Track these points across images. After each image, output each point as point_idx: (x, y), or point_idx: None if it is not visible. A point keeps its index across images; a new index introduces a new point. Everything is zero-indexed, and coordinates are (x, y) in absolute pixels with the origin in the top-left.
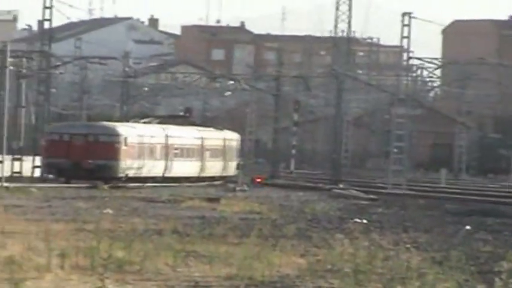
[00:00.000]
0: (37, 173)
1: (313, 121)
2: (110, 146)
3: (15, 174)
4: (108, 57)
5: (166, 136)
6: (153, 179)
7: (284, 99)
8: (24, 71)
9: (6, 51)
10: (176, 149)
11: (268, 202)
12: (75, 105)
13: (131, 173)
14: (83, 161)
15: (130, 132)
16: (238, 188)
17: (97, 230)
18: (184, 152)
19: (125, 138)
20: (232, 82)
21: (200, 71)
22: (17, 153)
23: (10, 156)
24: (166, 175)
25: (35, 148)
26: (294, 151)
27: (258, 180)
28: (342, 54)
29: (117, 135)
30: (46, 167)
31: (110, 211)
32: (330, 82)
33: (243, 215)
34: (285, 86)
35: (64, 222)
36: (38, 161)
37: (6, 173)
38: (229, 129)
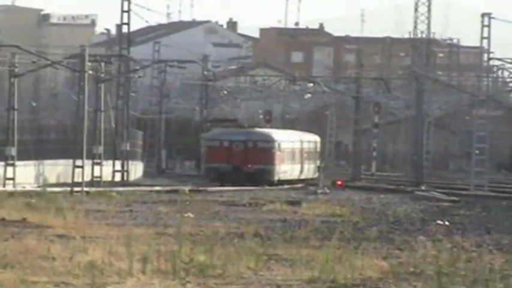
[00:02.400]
0: (118, 177)
1: (393, 123)
2: (268, 152)
3: (95, 179)
4: (187, 61)
5: (301, 141)
6: (290, 182)
7: (364, 101)
8: (103, 75)
9: (85, 56)
10: (294, 153)
11: (349, 205)
12: (154, 109)
13: (282, 177)
14: (243, 165)
15: (282, 138)
16: (319, 191)
17: (178, 234)
18: (294, 156)
19: (279, 144)
20: (311, 84)
21: (279, 73)
22: (97, 157)
23: (90, 161)
24: (300, 177)
25: (115, 152)
26: (375, 153)
27: (339, 182)
28: (421, 56)
29: (273, 141)
30: (207, 172)
31: (191, 215)
32: (410, 84)
33: (324, 217)
34: (365, 87)
35: (145, 227)
36: (118, 165)
37: (87, 177)
38: (309, 131)
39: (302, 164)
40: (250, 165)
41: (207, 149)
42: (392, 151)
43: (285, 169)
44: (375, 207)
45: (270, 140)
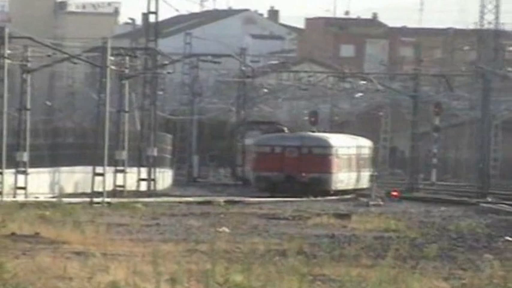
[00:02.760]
0: (143, 186)
1: (456, 126)
2: (325, 159)
3: (118, 188)
4: (222, 55)
5: (358, 147)
6: (346, 192)
7: (423, 101)
8: (127, 70)
9: (107, 49)
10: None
11: (406, 218)
12: (185, 110)
13: (339, 186)
14: (297, 174)
15: (339, 143)
16: (371, 203)
17: (211, 251)
18: (351, 163)
19: (336, 150)
20: (363, 82)
21: (327, 69)
22: (120, 164)
23: (112, 168)
24: (356, 187)
25: (140, 159)
26: (435, 160)
27: (395, 193)
28: (488, 50)
29: (330, 147)
30: (257, 181)
31: (226, 229)
32: (475, 81)
33: (377, 233)
34: (424, 85)
35: (174, 243)
36: (143, 173)
37: (108, 187)
38: (360, 135)
39: (359, 172)
40: (304, 173)
41: (257, 156)
42: (455, 158)
43: (342, 178)
44: (435, 221)
45: (326, 146)
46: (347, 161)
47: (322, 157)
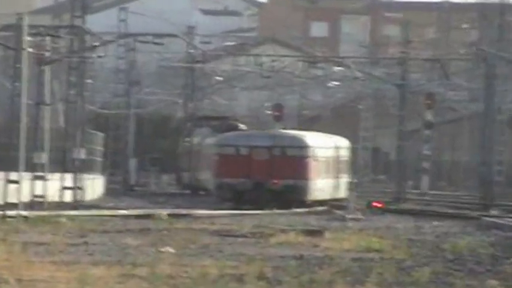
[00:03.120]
0: (68, 196)
1: (453, 121)
2: (301, 162)
3: (36, 199)
4: (165, 35)
5: (336, 148)
6: (322, 202)
7: (412, 91)
8: (48, 54)
9: (23, 27)
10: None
11: (391, 236)
12: (120, 102)
13: (319, 196)
14: (267, 181)
15: (317, 143)
16: (349, 216)
17: (152, 276)
18: (329, 168)
19: (314, 152)
20: (339, 68)
21: (294, 52)
22: (40, 169)
23: (30, 174)
24: (336, 196)
25: (65, 162)
26: (426, 164)
27: (377, 204)
28: (492, 28)
29: (307, 147)
30: (219, 189)
31: (170, 250)
32: (476, 67)
33: (356, 253)
34: (414, 72)
35: (106, 266)
36: (68, 180)
37: (25, 197)
38: (336, 133)
39: (337, 178)
40: (276, 180)
41: (218, 159)
42: (452, 161)
43: (321, 186)
44: (427, 239)
45: (303, 146)
46: (325, 165)
47: (298, 160)
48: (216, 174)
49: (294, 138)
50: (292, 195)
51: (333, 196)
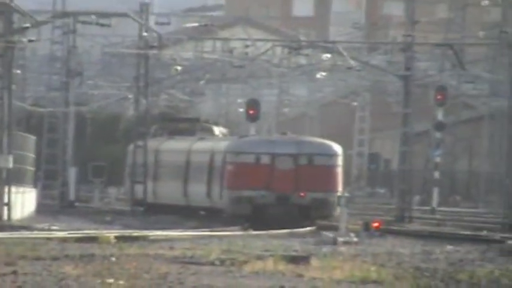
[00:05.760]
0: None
1: (470, 121)
2: (331, 172)
3: None
4: (113, 14)
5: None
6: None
7: (419, 83)
8: None
9: None
10: None
11: (393, 263)
12: (57, 97)
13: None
14: (293, 193)
15: (341, 152)
16: (341, 239)
17: None
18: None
19: (341, 161)
20: (328, 55)
21: (272, 36)
22: None
23: None
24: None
25: None
26: (437, 173)
27: (376, 224)
28: None
29: (336, 155)
30: (234, 203)
31: (120, 281)
32: (498, 54)
33: (349, 285)
34: (421, 61)
35: None
36: None
37: None
38: (324, 136)
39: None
40: (303, 192)
41: (234, 168)
42: (468, 170)
43: None
44: (438, 267)
45: (332, 154)
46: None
47: (327, 170)
48: (231, 186)
49: (321, 144)
50: (320, 210)
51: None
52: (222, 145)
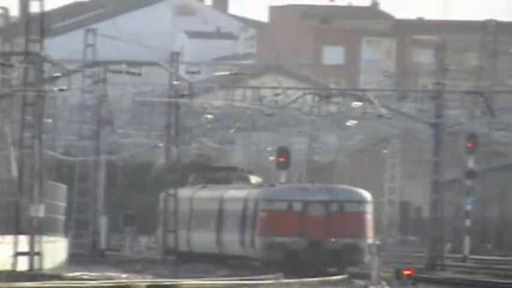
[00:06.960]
0: (23, 263)
1: (501, 169)
2: (361, 218)
3: None
4: (143, 63)
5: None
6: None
7: (450, 131)
8: None
9: None
10: None
11: None
12: (87, 146)
13: None
14: (324, 239)
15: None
16: (372, 287)
17: None
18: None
19: (371, 207)
20: (359, 103)
21: (303, 84)
22: None
23: None
24: None
25: (18, 221)
26: (468, 221)
27: (408, 272)
28: None
29: (366, 202)
30: (267, 249)
31: None
32: None
33: None
34: (450, 108)
35: None
36: (23, 243)
37: None
38: (355, 184)
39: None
40: (334, 238)
41: (265, 215)
42: (500, 218)
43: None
44: None
45: (362, 201)
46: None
47: (357, 216)
48: (264, 232)
49: (351, 192)
50: (351, 256)
51: None
52: (254, 193)
